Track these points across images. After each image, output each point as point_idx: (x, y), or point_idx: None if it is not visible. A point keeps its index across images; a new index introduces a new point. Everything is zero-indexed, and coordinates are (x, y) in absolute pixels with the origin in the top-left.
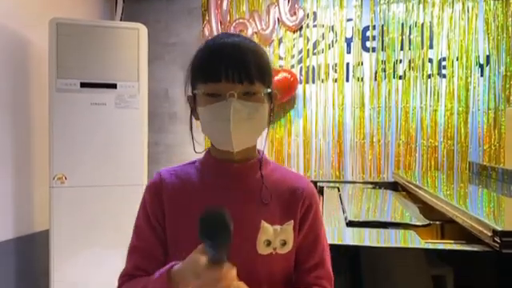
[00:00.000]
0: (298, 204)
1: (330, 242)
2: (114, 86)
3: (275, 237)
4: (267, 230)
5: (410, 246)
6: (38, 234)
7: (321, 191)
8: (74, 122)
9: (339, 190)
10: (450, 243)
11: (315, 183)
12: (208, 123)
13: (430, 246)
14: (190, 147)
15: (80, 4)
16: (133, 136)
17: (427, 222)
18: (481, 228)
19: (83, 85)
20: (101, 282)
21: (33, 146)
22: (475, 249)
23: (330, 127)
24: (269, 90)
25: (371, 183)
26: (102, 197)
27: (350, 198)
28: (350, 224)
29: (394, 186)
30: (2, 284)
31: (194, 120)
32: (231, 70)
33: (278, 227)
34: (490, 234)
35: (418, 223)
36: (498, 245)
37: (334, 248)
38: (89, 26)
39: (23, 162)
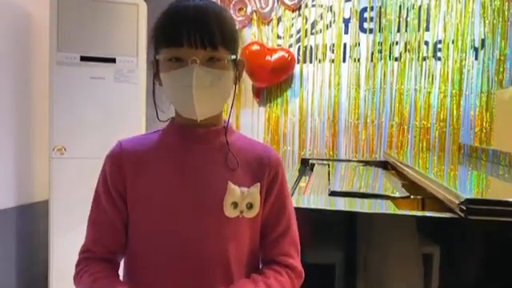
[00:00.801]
0: (264, 172)
1: (306, 207)
2: (113, 61)
3: (242, 199)
4: (234, 191)
5: (379, 211)
6: (38, 204)
7: (311, 168)
8: (73, 94)
9: (329, 167)
10: (423, 212)
11: (307, 160)
12: (171, 90)
13: (401, 213)
14: None
15: None
16: (131, 110)
17: (407, 194)
18: (451, 197)
19: (83, 58)
20: None
21: (34, 117)
22: (443, 215)
23: (325, 107)
24: (233, 57)
25: (362, 162)
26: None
27: (337, 173)
28: (332, 194)
29: (385, 165)
30: (2, 252)
31: (158, 86)
32: (193, 34)
33: (245, 189)
34: (457, 201)
35: (397, 195)
36: (463, 213)
37: (306, 211)
38: (90, 0)
39: (24, 133)
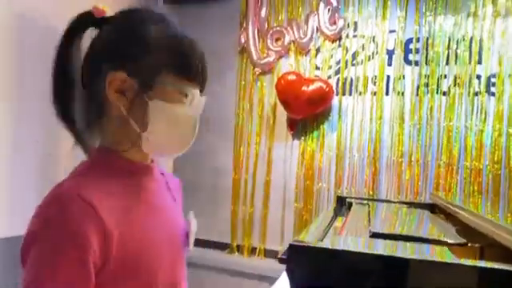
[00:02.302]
0: (179, 195)
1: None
2: None
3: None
4: (195, 223)
5: (441, 260)
6: None
7: (349, 207)
8: None
9: (369, 207)
10: (490, 263)
11: (344, 199)
12: (170, 123)
13: (467, 263)
14: (221, 154)
15: None
16: None
17: (463, 240)
18: None
19: None
20: None
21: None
22: None
23: (365, 143)
24: None
25: (406, 203)
26: None
27: (379, 214)
28: (373, 236)
29: (432, 208)
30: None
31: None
32: (203, 74)
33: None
34: None
35: (451, 241)
36: None
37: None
38: None
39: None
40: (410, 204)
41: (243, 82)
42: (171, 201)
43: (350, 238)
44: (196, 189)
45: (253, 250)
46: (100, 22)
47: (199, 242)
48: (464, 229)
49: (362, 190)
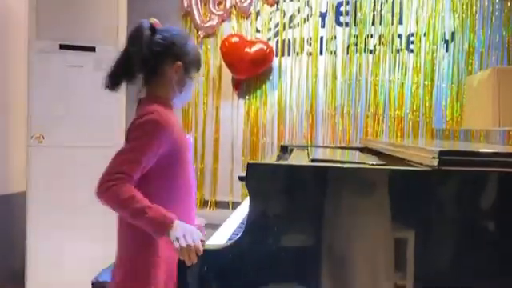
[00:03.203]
0: None
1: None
2: (92, 49)
3: None
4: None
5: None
6: (15, 195)
7: (290, 153)
8: (52, 82)
9: (308, 150)
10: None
11: (286, 147)
12: (190, 90)
13: (377, 167)
14: None
15: None
16: (110, 98)
17: (383, 162)
18: (424, 154)
19: (62, 46)
20: (77, 245)
21: (10, 105)
22: (418, 168)
23: (303, 99)
24: None
25: (340, 147)
26: (80, 157)
27: (318, 151)
28: (313, 161)
29: (361, 151)
30: None
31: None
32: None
33: None
34: (430, 156)
35: (373, 162)
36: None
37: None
38: None
39: (1, 121)
40: (343, 148)
41: None
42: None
43: (295, 160)
44: None
45: (205, 203)
46: (154, 30)
47: None
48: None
49: (302, 142)
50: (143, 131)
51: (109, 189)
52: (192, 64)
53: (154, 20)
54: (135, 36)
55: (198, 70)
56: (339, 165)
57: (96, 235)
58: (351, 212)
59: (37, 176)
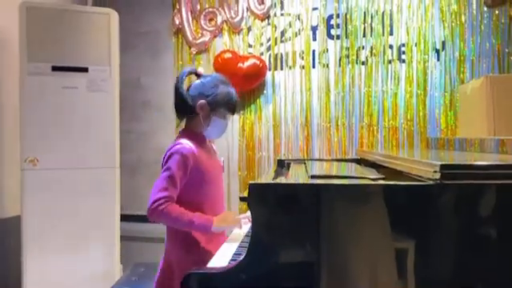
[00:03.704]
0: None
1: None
2: (85, 70)
3: None
4: (222, 160)
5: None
6: (9, 220)
7: (288, 168)
8: (45, 105)
9: (306, 164)
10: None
11: (283, 161)
12: (220, 126)
13: (379, 182)
14: (162, 135)
15: None
16: (105, 119)
17: (382, 176)
18: (424, 168)
19: (54, 68)
20: (73, 269)
21: (3, 129)
22: (420, 183)
23: (297, 112)
24: None
25: (336, 160)
26: (74, 180)
27: (315, 165)
28: (312, 177)
29: (358, 162)
30: None
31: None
32: (237, 111)
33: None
34: (432, 170)
35: (372, 177)
36: (439, 177)
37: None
38: (59, 10)
39: None
40: (340, 160)
41: (180, 62)
42: (214, 153)
43: (296, 178)
44: (142, 165)
45: None
46: (199, 75)
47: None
48: (385, 172)
49: (298, 155)
50: (173, 161)
51: (162, 212)
52: (219, 104)
53: (199, 69)
54: (176, 81)
55: (231, 111)
56: (341, 181)
57: (93, 258)
58: (355, 228)
59: (31, 200)
